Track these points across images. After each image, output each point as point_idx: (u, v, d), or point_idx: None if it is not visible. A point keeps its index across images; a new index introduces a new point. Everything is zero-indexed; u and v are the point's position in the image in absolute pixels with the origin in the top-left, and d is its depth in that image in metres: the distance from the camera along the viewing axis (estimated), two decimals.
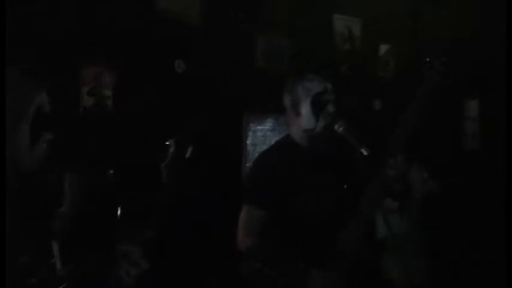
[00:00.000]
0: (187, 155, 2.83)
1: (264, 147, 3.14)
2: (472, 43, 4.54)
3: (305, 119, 2.46)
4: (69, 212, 2.34)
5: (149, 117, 3.48)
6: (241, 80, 3.89)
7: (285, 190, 2.40)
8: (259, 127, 3.97)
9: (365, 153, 2.27)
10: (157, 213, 1.76)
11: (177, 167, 3.30)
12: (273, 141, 2.93)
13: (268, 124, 3.99)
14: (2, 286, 1.41)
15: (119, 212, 2.97)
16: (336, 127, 2.38)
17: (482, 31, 4.57)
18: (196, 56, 3.72)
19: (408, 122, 2.34)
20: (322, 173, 2.48)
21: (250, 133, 3.95)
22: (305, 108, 2.46)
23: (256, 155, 3.05)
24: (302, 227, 2.38)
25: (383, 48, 4.62)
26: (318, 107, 2.43)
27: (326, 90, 2.47)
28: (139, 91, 3.45)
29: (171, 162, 3.11)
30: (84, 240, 2.08)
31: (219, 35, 3.81)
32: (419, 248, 3.22)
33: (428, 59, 2.40)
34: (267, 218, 2.40)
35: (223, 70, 3.81)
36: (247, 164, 3.80)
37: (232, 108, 3.84)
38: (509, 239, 2.65)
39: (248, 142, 3.94)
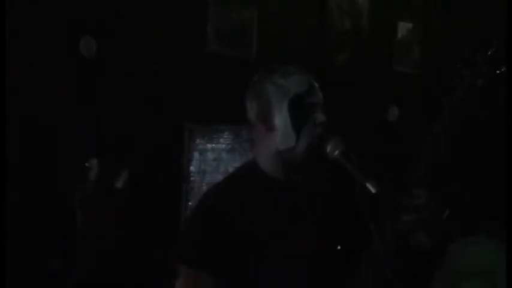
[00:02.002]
0: (120, 185, 2.78)
1: (217, 177, 3.09)
2: None
3: (281, 134, 2.39)
4: None
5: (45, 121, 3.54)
6: (184, 72, 3.91)
7: (247, 246, 2.34)
8: (209, 145, 4.00)
9: (373, 190, 2.19)
10: None
11: (100, 203, 3.33)
12: (230, 168, 2.87)
13: (223, 141, 4.01)
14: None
15: None
16: (328, 149, 2.31)
17: None
18: (116, 32, 3.77)
19: (439, 141, 2.31)
20: (304, 221, 2.42)
21: (195, 154, 3.98)
22: (281, 118, 2.39)
23: (205, 188, 2.98)
24: None
25: (402, 27, 4.62)
26: (299, 114, 2.37)
27: (311, 90, 2.41)
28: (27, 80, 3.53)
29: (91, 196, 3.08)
30: None
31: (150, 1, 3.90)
32: None
33: (470, 48, 2.39)
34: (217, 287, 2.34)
35: (155, 55, 3.87)
36: (190, 203, 3.82)
37: (169, 115, 3.87)
38: (510, 239, 3.00)
39: (192, 168, 3.95)
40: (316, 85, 2.43)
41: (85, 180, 3.41)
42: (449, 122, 2.32)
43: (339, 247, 2.42)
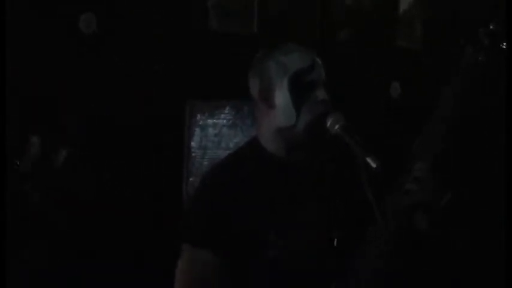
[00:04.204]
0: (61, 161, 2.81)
1: (219, 153, 3.10)
2: None
3: (281, 111, 2.40)
4: None
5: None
6: (185, 49, 3.90)
7: (250, 225, 2.35)
8: (210, 121, 3.98)
9: (373, 164, 2.21)
10: None
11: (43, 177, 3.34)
12: (231, 144, 2.88)
13: (225, 116, 4.00)
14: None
15: None
16: (328, 124, 2.33)
17: None
18: (115, 9, 3.74)
19: (442, 118, 2.31)
20: (305, 199, 2.44)
21: (197, 130, 3.95)
22: (281, 96, 2.40)
23: (206, 164, 3.00)
24: (275, 283, 2.35)
25: (404, 2, 4.61)
26: (300, 92, 2.37)
27: (313, 67, 2.41)
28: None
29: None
30: None
31: None
32: None
33: (473, 23, 2.37)
34: (221, 267, 2.35)
35: (156, 32, 3.84)
36: (191, 179, 3.80)
37: (170, 90, 3.85)
38: (510, 239, 3.01)
39: (194, 144, 3.94)
40: (319, 62, 2.43)
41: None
42: (454, 102, 2.31)
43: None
